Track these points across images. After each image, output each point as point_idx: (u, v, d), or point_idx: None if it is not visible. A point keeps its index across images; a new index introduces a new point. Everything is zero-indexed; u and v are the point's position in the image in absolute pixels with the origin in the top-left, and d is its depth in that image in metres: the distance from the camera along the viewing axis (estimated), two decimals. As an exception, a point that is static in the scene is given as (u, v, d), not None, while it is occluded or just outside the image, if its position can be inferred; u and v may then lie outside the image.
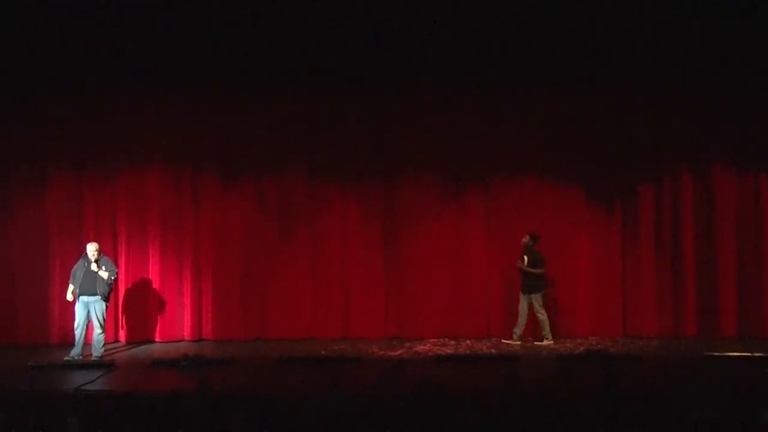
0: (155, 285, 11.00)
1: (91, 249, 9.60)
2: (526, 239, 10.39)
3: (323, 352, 9.96)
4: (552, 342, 10.35)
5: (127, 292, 10.96)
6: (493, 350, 10.08)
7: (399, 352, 10.02)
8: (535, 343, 10.43)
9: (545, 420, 5.48)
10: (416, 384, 6.50)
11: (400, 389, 7.14)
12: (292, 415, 5.64)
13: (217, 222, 11.10)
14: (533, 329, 10.63)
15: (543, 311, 10.36)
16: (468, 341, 10.58)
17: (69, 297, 9.68)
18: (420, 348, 10.26)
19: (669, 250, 11.07)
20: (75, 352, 9.49)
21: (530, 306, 10.35)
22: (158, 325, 10.98)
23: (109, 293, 9.70)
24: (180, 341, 10.86)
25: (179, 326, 11.00)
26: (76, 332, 9.57)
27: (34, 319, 10.66)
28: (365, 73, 10.81)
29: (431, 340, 10.62)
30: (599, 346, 10.05)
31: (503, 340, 10.53)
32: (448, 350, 10.09)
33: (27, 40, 10.01)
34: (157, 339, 10.94)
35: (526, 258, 10.35)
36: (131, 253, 10.99)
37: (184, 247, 11.05)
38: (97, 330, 9.61)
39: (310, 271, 11.11)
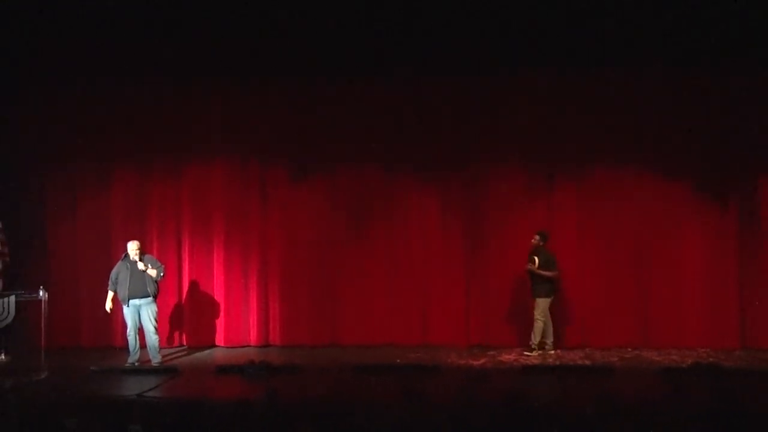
0: (220, 286, 11.36)
1: (133, 247, 9.82)
2: (535, 239, 10.29)
3: (399, 361, 10.10)
4: (541, 352, 10.23)
5: (190, 293, 11.36)
6: (586, 361, 10.00)
7: (482, 361, 10.07)
8: (524, 353, 10.28)
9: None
10: (501, 397, 6.50)
11: (483, 402, 7.15)
12: (365, 427, 5.73)
13: (286, 218, 11.37)
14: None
15: (544, 319, 10.26)
16: (558, 350, 10.50)
17: (108, 306, 9.88)
18: (505, 357, 10.27)
19: (796, 250, 10.70)
20: (132, 359, 9.85)
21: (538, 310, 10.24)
22: (222, 329, 11.33)
23: (157, 292, 9.99)
24: (245, 346, 11.18)
25: (245, 330, 11.32)
26: (129, 338, 9.90)
27: (98, 321, 11.13)
28: (446, 58, 10.81)
29: (517, 349, 10.59)
30: (711, 359, 9.82)
31: (525, 353, 10.37)
32: (536, 360, 10.04)
33: (90, 36, 10.57)
34: (221, 344, 11.31)
35: (536, 259, 10.21)
36: (195, 251, 11.39)
37: (251, 246, 11.36)
38: (151, 334, 9.87)
39: (387, 271, 11.26)
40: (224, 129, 11.30)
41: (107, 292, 10.75)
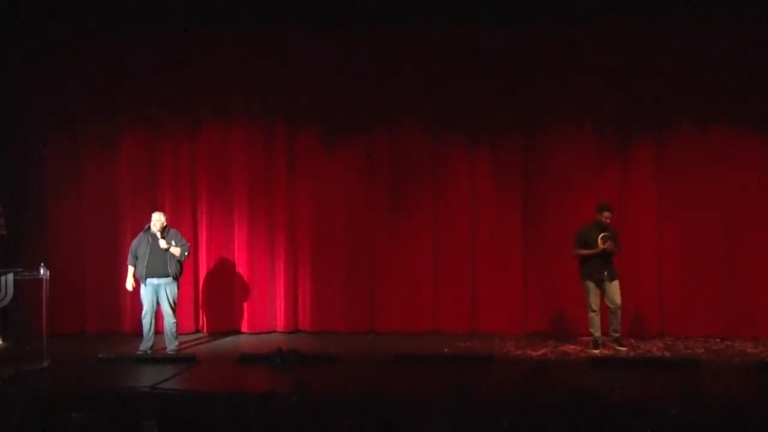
0: (242, 265, 11.43)
1: (155, 219, 9.83)
2: (608, 216, 9.87)
3: (446, 350, 10.10)
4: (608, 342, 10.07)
5: (210, 274, 11.43)
6: (666, 352, 9.86)
7: (542, 351, 10.00)
8: (617, 347, 9.94)
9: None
10: (565, 392, 6.43)
11: (544, 398, 7.09)
12: (408, 424, 5.71)
13: (317, 190, 11.41)
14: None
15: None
16: (632, 340, 10.37)
17: (129, 285, 9.90)
18: (569, 347, 10.18)
19: None
20: (146, 345, 9.88)
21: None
22: (246, 313, 11.40)
23: (180, 273, 10.01)
24: (271, 332, 11.29)
25: (271, 315, 11.41)
26: (143, 321, 9.93)
27: (105, 304, 11.28)
28: (500, 5, 10.65)
29: (583, 338, 10.47)
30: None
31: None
32: (606, 351, 9.93)
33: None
34: (244, 329, 11.41)
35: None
36: (214, 226, 11.46)
37: (277, 219, 11.42)
38: (169, 318, 9.93)
39: (431, 249, 11.28)
40: (247, 86, 11.34)
41: (117, 274, 10.84)
